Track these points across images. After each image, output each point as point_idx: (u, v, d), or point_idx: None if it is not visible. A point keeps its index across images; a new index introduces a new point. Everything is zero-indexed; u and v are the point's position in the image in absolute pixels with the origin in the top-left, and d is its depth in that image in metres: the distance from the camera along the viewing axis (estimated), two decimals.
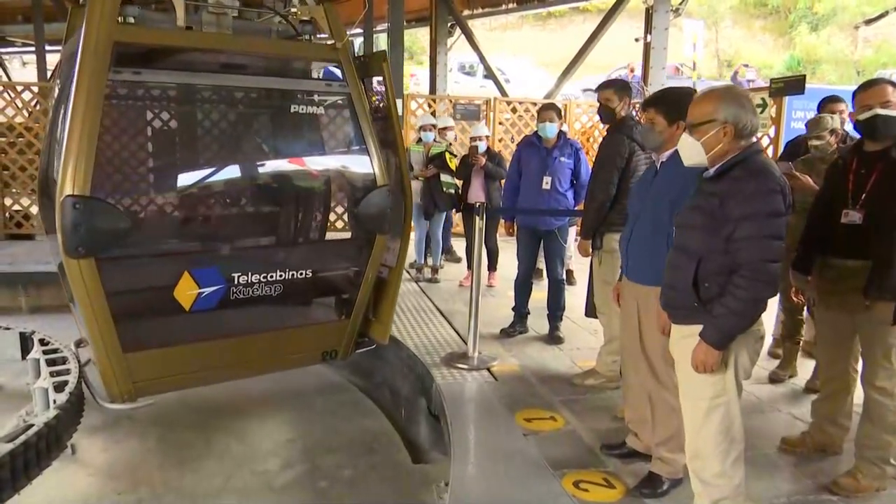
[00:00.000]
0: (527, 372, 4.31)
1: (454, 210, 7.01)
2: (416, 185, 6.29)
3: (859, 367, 3.05)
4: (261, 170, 4.83)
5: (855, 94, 2.92)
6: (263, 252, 4.22)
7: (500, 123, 9.41)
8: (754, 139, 2.36)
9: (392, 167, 3.98)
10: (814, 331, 4.16)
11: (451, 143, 7.00)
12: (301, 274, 3.72)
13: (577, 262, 6.35)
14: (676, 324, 2.48)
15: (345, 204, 4.84)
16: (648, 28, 9.00)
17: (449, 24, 12.78)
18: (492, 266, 6.63)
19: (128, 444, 4.02)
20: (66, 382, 3.59)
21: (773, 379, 4.16)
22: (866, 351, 2.90)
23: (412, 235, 6.35)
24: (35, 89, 8.46)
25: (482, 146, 6.35)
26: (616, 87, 3.94)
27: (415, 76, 20.14)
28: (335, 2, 3.88)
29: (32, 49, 15.75)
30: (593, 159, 4.19)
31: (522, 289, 5.10)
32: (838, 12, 22.65)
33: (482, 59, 12.47)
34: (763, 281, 2.19)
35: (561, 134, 4.92)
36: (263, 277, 3.56)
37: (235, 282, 3.47)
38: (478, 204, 4.56)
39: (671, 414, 2.76)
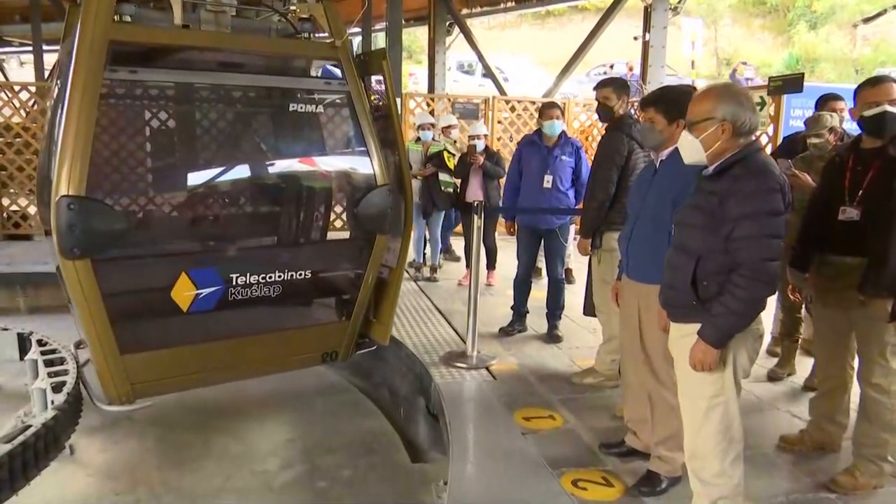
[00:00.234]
0: (525, 371, 4.31)
1: (453, 209, 7.00)
2: (414, 185, 6.28)
3: (856, 364, 3.05)
4: (259, 169, 4.80)
5: (859, 90, 2.92)
6: (262, 252, 4.18)
7: (499, 122, 9.42)
8: (754, 137, 2.36)
9: (392, 166, 3.96)
10: (812, 329, 4.18)
11: (455, 141, 6.97)
12: (300, 274, 3.69)
13: (576, 261, 6.35)
14: (675, 322, 2.48)
15: (344, 203, 4.80)
16: (647, 26, 9.00)
17: (447, 23, 12.77)
18: (491, 265, 6.63)
19: (126, 444, 4.01)
20: (64, 383, 3.57)
21: (772, 377, 4.16)
22: (862, 348, 2.91)
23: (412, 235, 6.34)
24: (32, 89, 8.45)
25: (480, 145, 6.34)
26: (614, 85, 3.94)
27: (413, 75, 20.14)
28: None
29: (30, 49, 15.73)
30: (592, 158, 4.19)
31: (521, 288, 5.10)
32: (837, 10, 22.65)
33: (481, 57, 12.46)
34: (762, 280, 2.19)
35: (562, 133, 4.92)
36: (262, 278, 3.53)
37: (234, 283, 3.44)
38: (476, 203, 4.56)
39: (671, 413, 2.76)
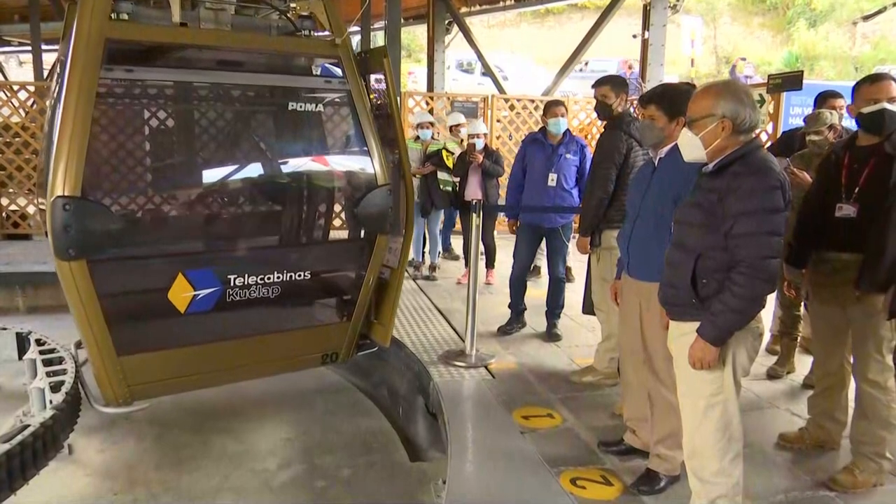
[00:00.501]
0: (524, 369, 4.31)
1: (452, 207, 7.00)
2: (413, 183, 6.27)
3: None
4: (258, 169, 4.78)
5: (857, 87, 2.92)
6: (260, 253, 4.14)
7: (498, 121, 9.41)
8: (754, 134, 2.35)
9: (393, 166, 3.93)
10: (810, 328, 4.17)
11: (462, 140, 6.94)
12: (299, 275, 3.65)
13: (576, 260, 6.34)
14: (675, 321, 2.47)
15: (344, 203, 4.77)
16: (646, 24, 8.98)
17: (447, 22, 12.74)
18: (490, 263, 6.63)
19: (125, 444, 4.00)
20: (62, 383, 3.57)
21: (771, 375, 4.16)
22: (858, 344, 2.91)
23: None
24: (31, 88, 8.45)
25: (480, 143, 6.33)
26: (612, 83, 3.93)
27: (413, 74, 20.11)
28: None
29: (29, 48, 15.72)
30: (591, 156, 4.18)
31: (517, 285, 5.07)
32: (836, 8, 22.61)
33: (480, 56, 12.43)
34: (762, 278, 2.18)
35: (567, 131, 4.91)
36: (260, 279, 3.49)
37: (231, 284, 3.41)
38: (474, 201, 4.55)
39: (670, 411, 2.75)
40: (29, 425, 3.14)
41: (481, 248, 5.18)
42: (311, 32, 3.70)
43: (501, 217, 7.14)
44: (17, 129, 8.14)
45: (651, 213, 2.86)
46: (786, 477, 2.99)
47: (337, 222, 7.73)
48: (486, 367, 4.28)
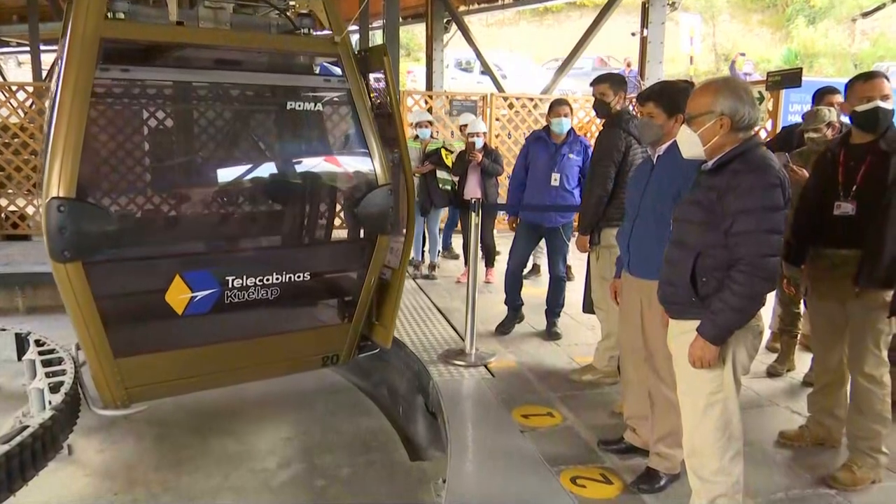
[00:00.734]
0: (524, 368, 4.30)
1: (451, 207, 6.99)
2: None
3: None
4: (256, 170, 4.76)
5: (850, 85, 2.93)
6: (259, 254, 4.12)
7: (497, 119, 9.39)
8: (753, 132, 2.34)
9: (392, 165, 3.89)
10: (809, 325, 4.17)
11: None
12: (299, 276, 3.61)
13: (575, 258, 6.34)
14: (674, 319, 2.47)
15: (344, 203, 4.73)
16: (645, 22, 8.97)
17: (445, 21, 12.74)
18: (489, 262, 6.63)
19: (124, 444, 3.99)
20: (61, 383, 3.56)
21: (771, 373, 4.15)
22: (856, 339, 2.92)
23: None
24: (30, 89, 8.44)
25: (479, 142, 6.33)
26: (610, 81, 3.93)
27: (412, 73, 20.10)
28: None
29: (28, 49, 15.71)
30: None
31: (512, 282, 5.02)
32: (835, 5, 22.60)
33: (479, 55, 12.42)
34: (761, 276, 2.17)
35: (570, 130, 4.88)
36: (259, 280, 3.46)
37: (230, 285, 3.37)
38: (473, 200, 4.54)
39: (671, 410, 2.75)
40: (28, 426, 3.13)
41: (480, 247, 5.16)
42: (311, 31, 3.66)
43: (501, 215, 7.14)
44: (15, 129, 8.13)
45: (651, 210, 2.86)
46: (786, 475, 2.99)
47: (337, 222, 7.75)
48: (485, 366, 4.28)
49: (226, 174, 4.55)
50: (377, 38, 14.99)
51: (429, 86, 12.68)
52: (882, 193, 2.77)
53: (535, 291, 5.23)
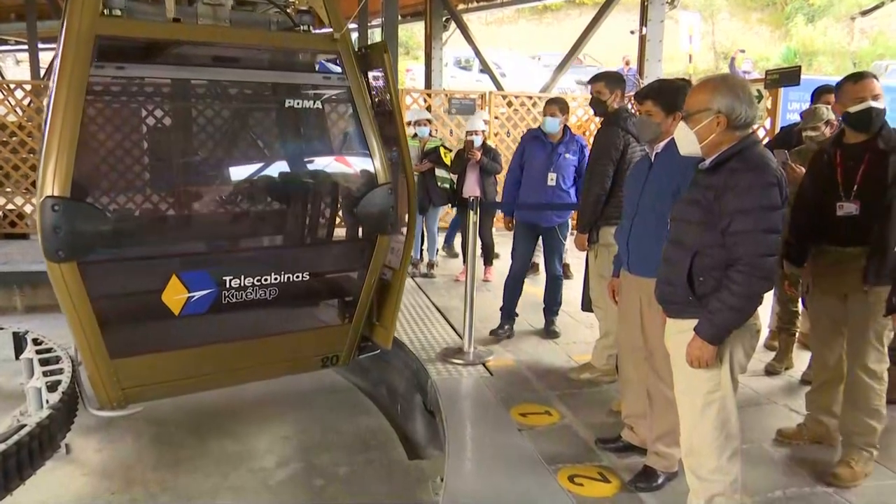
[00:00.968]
0: (522, 367, 4.30)
1: (450, 205, 6.99)
2: None
3: None
4: (254, 168, 4.75)
5: (841, 86, 2.95)
6: (257, 254, 4.08)
7: (496, 118, 9.38)
8: (751, 130, 2.34)
9: (392, 163, 3.82)
10: (809, 322, 4.18)
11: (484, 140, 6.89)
12: (298, 276, 3.57)
13: (574, 256, 6.34)
14: (672, 318, 2.46)
15: (343, 202, 4.69)
16: (644, 20, 8.95)
17: (444, 19, 12.72)
18: (487, 261, 6.62)
19: (122, 443, 3.99)
20: (59, 382, 3.56)
21: (770, 371, 4.15)
22: (857, 333, 2.93)
23: None
24: (28, 87, 8.43)
25: (478, 140, 6.32)
26: (607, 79, 3.93)
27: (410, 71, 20.08)
28: None
29: (26, 47, 15.69)
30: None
31: (513, 287, 4.93)
32: (834, 3, 22.59)
33: (477, 53, 12.41)
34: (759, 276, 2.17)
35: (566, 129, 4.85)
36: (257, 281, 3.42)
37: (227, 285, 3.33)
38: (471, 198, 4.53)
39: (670, 408, 2.74)
40: (25, 425, 3.14)
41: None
42: (311, 28, 3.61)
43: (500, 214, 7.13)
44: (13, 127, 8.12)
45: (650, 208, 2.85)
46: (784, 473, 2.99)
47: (336, 222, 7.74)
48: (483, 365, 4.28)
49: (223, 173, 4.52)
50: (376, 36, 14.97)
51: (427, 84, 12.67)
52: (883, 192, 2.79)
53: (533, 290, 5.23)
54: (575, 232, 4.27)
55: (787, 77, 6.02)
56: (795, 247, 3.11)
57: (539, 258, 6.23)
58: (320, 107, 4.03)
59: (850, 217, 2.88)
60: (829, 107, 3.87)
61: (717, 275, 2.24)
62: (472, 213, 4.43)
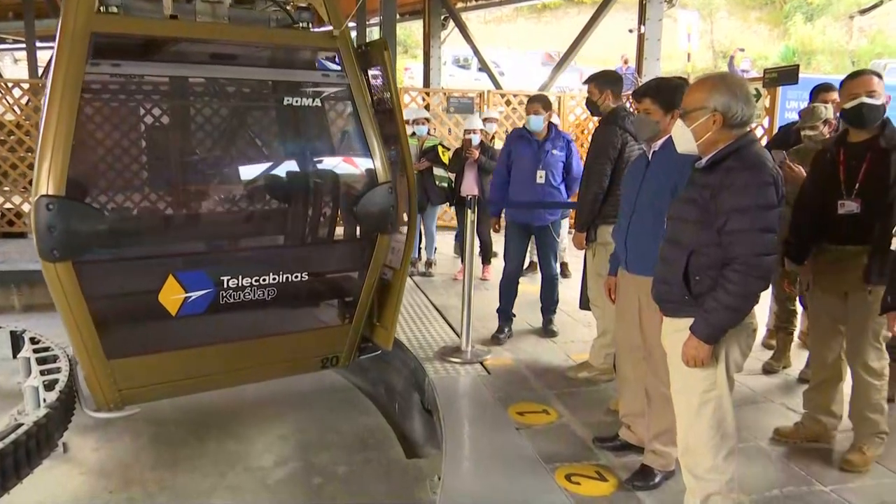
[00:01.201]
0: (520, 365, 4.30)
1: (448, 204, 6.99)
2: None
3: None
4: (252, 167, 4.73)
5: (843, 83, 2.98)
6: (255, 254, 4.04)
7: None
8: (748, 129, 2.34)
9: (391, 162, 3.79)
10: (808, 321, 4.18)
11: (491, 136, 6.89)
12: (297, 276, 3.54)
13: (572, 255, 6.34)
14: (668, 317, 2.46)
15: (343, 202, 4.66)
16: (642, 19, 8.95)
17: (443, 17, 12.71)
18: (486, 259, 6.62)
19: (120, 442, 3.98)
20: (56, 381, 3.55)
21: (767, 370, 4.16)
22: (856, 332, 2.96)
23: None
24: (26, 86, 8.42)
25: (476, 139, 6.32)
26: (596, 80, 3.94)
27: (409, 69, 20.09)
28: None
29: (24, 46, 15.66)
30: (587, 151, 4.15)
31: (508, 289, 4.89)
32: (833, 2, 22.61)
33: (476, 52, 12.42)
34: (755, 275, 2.17)
35: (551, 126, 4.84)
36: (255, 281, 3.40)
37: (225, 285, 3.31)
38: (469, 197, 4.52)
39: (667, 407, 2.73)
40: (22, 424, 3.13)
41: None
42: (310, 25, 3.59)
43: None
44: (11, 126, 8.11)
45: (648, 207, 2.85)
46: (781, 471, 2.99)
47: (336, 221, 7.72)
48: (481, 364, 4.28)
49: (220, 172, 4.50)
50: (374, 34, 14.95)
51: (426, 83, 12.65)
52: (885, 191, 2.80)
53: (531, 289, 5.23)
54: (573, 231, 4.27)
55: (785, 76, 6.02)
56: (796, 244, 3.12)
57: (536, 256, 6.24)
58: (319, 105, 4.00)
59: (852, 215, 2.90)
60: (828, 106, 3.88)
61: (714, 274, 2.24)
62: (469, 211, 4.42)
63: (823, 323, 3.17)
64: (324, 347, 3.82)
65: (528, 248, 5.39)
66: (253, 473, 3.74)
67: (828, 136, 3.82)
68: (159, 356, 3.34)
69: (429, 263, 6.94)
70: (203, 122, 4.48)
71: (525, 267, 6.60)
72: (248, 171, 4.53)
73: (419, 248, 7.07)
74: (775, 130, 6.16)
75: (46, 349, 3.99)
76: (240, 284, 3.37)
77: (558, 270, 5.06)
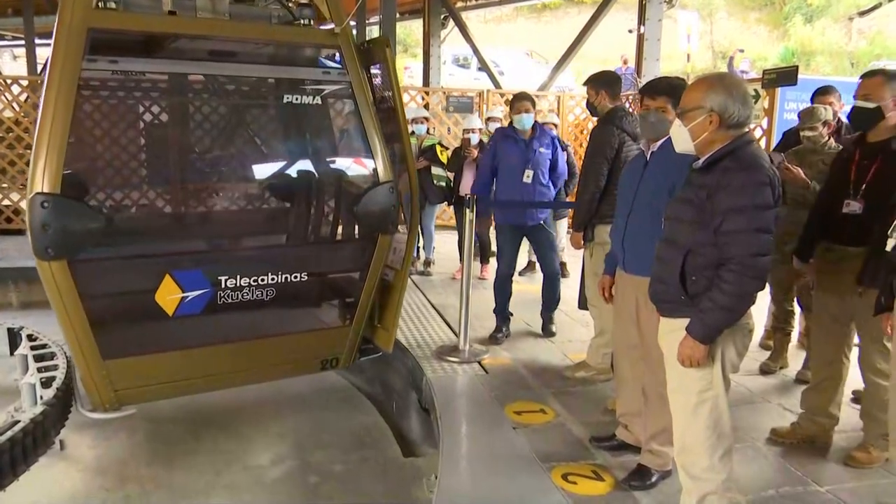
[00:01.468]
0: (518, 365, 4.30)
1: (446, 203, 6.99)
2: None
3: (852, 356, 3.15)
4: (250, 166, 4.72)
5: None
6: (254, 253, 4.01)
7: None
8: (746, 129, 2.34)
9: (395, 162, 3.77)
10: (805, 322, 4.19)
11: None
12: (296, 277, 3.51)
13: (570, 255, 6.34)
14: (665, 317, 2.46)
15: (343, 201, 4.64)
16: (642, 19, 8.94)
17: (442, 17, 12.70)
18: (484, 258, 6.62)
19: (117, 440, 3.98)
20: (53, 378, 3.55)
21: (764, 370, 4.16)
22: (863, 333, 3.00)
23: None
24: (24, 83, 8.41)
25: (475, 138, 6.32)
26: (591, 82, 3.94)
27: (409, 69, 20.06)
28: None
29: (23, 43, 15.65)
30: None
31: (502, 289, 4.86)
32: (832, 4, 22.60)
33: (475, 51, 12.41)
34: (750, 275, 2.17)
35: (536, 124, 4.80)
36: (254, 281, 3.37)
37: (223, 285, 3.29)
38: (467, 196, 4.52)
39: (664, 407, 2.74)
40: (19, 421, 3.13)
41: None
42: (311, 22, 3.54)
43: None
44: (10, 123, 8.10)
45: (646, 207, 2.85)
46: (777, 471, 3.00)
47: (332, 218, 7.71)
48: (479, 363, 4.28)
49: (218, 170, 4.47)
50: (374, 33, 14.94)
51: (425, 82, 12.64)
52: (889, 193, 2.78)
53: (529, 288, 5.23)
54: (571, 231, 4.27)
55: (784, 77, 6.03)
56: (805, 242, 3.16)
57: (534, 256, 6.24)
58: (320, 103, 3.96)
59: (854, 216, 2.92)
60: (827, 107, 3.89)
61: (710, 274, 2.24)
62: (468, 211, 4.42)
63: (824, 322, 3.18)
64: (323, 349, 3.79)
65: (528, 249, 5.37)
66: (250, 472, 3.74)
67: (827, 137, 3.83)
68: (156, 357, 3.30)
69: (427, 262, 6.94)
70: (202, 119, 4.45)
71: (524, 267, 6.63)
72: (247, 170, 4.52)
73: (417, 248, 7.07)
74: (774, 131, 6.17)
75: (44, 346, 3.99)
76: (238, 284, 3.34)
77: (559, 268, 5.03)
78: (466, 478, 2.99)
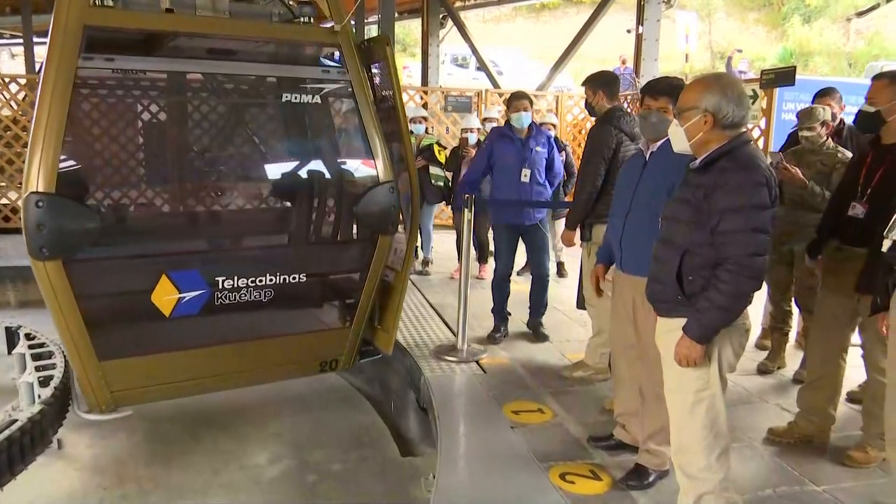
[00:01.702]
0: (516, 364, 4.30)
1: (444, 202, 6.99)
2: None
3: (851, 356, 3.17)
4: (249, 165, 4.69)
5: None
6: (251, 254, 3.99)
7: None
8: (743, 130, 2.34)
9: (396, 161, 3.74)
10: (803, 322, 4.20)
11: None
12: (294, 278, 3.48)
13: (569, 255, 6.35)
14: (662, 317, 2.47)
15: (343, 201, 4.62)
16: (640, 19, 8.96)
17: (441, 16, 12.71)
18: (482, 258, 6.62)
19: (115, 439, 3.98)
20: (51, 377, 3.54)
21: (762, 370, 4.17)
22: (868, 333, 3.02)
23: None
24: (22, 81, 8.39)
25: (473, 138, 6.32)
26: (589, 82, 3.95)
27: (407, 68, 20.06)
28: None
29: (21, 41, 15.63)
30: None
31: (500, 289, 4.86)
32: (831, 4, 22.66)
33: (474, 51, 12.41)
34: (747, 275, 2.18)
35: (532, 123, 4.78)
36: (252, 281, 3.35)
37: (220, 286, 3.26)
38: (466, 196, 4.52)
39: (662, 407, 2.74)
40: (16, 420, 3.13)
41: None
42: (311, 20, 3.52)
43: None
44: (7, 121, 8.09)
45: (644, 207, 2.85)
46: (774, 471, 3.00)
47: (331, 218, 7.70)
48: (477, 363, 4.28)
49: (215, 170, 4.44)
50: (372, 33, 14.94)
51: (424, 81, 12.64)
52: (892, 196, 2.78)
53: (527, 288, 5.20)
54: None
55: (782, 77, 6.04)
56: (817, 241, 3.20)
57: None
58: (319, 102, 3.93)
59: (857, 219, 2.95)
60: (826, 108, 3.90)
61: (706, 274, 2.24)
62: (466, 210, 4.42)
63: (826, 321, 3.19)
64: (323, 350, 3.77)
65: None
66: (247, 471, 3.74)
67: (825, 137, 3.84)
68: (153, 358, 3.28)
69: (425, 262, 6.94)
70: (200, 118, 4.43)
71: (522, 266, 6.62)
72: (245, 170, 4.51)
73: (416, 247, 7.07)
74: (772, 132, 6.19)
75: (42, 345, 3.98)
76: (235, 285, 3.32)
77: (554, 270, 5.02)
78: (464, 477, 2.99)
